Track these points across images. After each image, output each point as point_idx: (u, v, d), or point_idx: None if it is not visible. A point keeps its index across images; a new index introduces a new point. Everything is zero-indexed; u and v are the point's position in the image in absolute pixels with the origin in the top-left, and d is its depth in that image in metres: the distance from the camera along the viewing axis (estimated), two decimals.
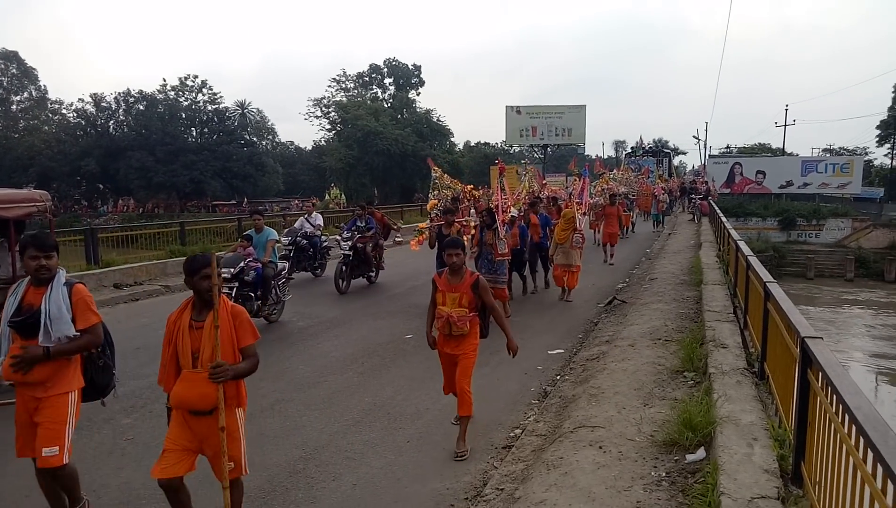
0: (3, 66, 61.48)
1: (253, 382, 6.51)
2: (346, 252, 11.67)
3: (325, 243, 13.55)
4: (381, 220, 13.20)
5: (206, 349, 3.27)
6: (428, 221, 13.24)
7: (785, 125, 50.20)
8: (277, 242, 9.27)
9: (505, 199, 9.70)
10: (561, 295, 11.00)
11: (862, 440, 2.22)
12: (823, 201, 41.70)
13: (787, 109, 52.45)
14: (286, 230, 13.74)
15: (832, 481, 2.68)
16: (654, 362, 6.13)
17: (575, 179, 16.86)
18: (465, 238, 9.55)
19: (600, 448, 4.21)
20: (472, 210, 12.37)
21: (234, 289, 8.26)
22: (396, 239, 12.75)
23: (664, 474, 3.79)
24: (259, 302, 8.71)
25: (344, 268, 11.61)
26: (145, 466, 4.63)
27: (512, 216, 10.06)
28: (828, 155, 51.15)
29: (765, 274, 5.51)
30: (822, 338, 3.31)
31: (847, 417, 2.44)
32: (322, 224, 13.60)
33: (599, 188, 18.40)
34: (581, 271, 11.40)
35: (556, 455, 4.20)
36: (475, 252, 9.47)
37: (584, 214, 11.69)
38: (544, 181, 17.71)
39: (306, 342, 8.27)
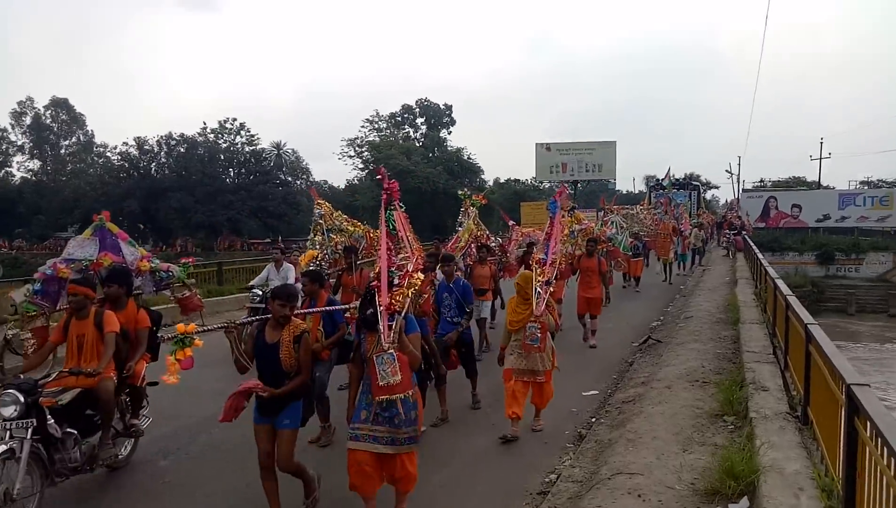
0: (53, 112, 64.63)
1: None
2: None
3: None
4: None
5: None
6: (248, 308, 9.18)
7: (820, 158, 49.43)
8: None
9: (404, 257, 5.18)
10: (512, 429, 5.99)
11: None
12: (862, 235, 40.63)
13: (822, 142, 51.54)
14: None
15: None
16: (693, 405, 5.99)
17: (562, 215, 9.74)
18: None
19: (639, 496, 4.10)
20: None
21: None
22: None
23: None
24: None
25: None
26: None
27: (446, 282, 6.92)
28: (866, 187, 50.02)
29: (805, 315, 5.39)
30: (868, 385, 3.21)
31: None
32: None
33: (567, 231, 11.19)
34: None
35: (594, 504, 4.11)
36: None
37: (548, 282, 6.37)
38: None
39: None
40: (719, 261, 24.25)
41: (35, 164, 65.62)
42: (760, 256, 13.85)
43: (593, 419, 6.62)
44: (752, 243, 20.46)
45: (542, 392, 6.24)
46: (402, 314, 4.35)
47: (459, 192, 11.17)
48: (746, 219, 31.28)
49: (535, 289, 6.22)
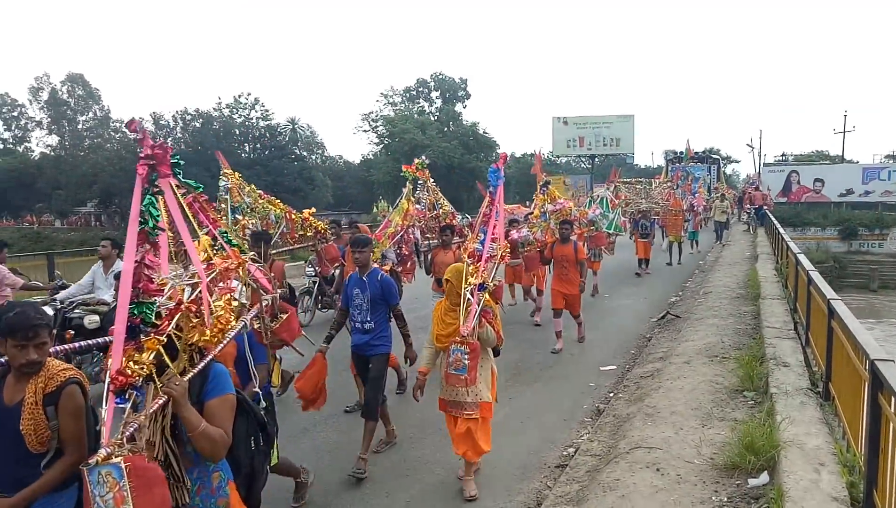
0: (70, 87, 65.05)
1: None
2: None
3: None
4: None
5: None
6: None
7: (844, 131, 48.29)
8: None
9: (193, 275, 2.76)
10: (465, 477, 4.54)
11: None
12: (887, 210, 39.88)
13: (846, 116, 50.54)
14: None
15: None
16: (712, 380, 5.97)
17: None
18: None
19: (658, 470, 4.12)
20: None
21: None
22: None
23: (725, 499, 3.68)
24: None
25: None
26: None
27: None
28: (891, 162, 48.96)
29: (828, 291, 5.32)
30: (893, 361, 3.17)
31: None
32: None
33: (538, 212, 9.68)
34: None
35: (612, 477, 4.13)
36: None
37: (483, 286, 4.41)
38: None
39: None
40: (739, 236, 23.98)
41: (53, 139, 66.26)
42: (782, 231, 13.65)
43: (611, 394, 6.63)
44: (773, 218, 20.15)
45: (469, 435, 4.31)
46: (197, 369, 2.49)
47: (417, 161, 9.09)
48: (768, 193, 30.70)
49: (465, 292, 4.31)
